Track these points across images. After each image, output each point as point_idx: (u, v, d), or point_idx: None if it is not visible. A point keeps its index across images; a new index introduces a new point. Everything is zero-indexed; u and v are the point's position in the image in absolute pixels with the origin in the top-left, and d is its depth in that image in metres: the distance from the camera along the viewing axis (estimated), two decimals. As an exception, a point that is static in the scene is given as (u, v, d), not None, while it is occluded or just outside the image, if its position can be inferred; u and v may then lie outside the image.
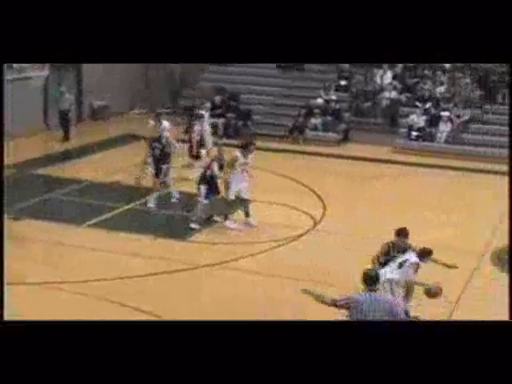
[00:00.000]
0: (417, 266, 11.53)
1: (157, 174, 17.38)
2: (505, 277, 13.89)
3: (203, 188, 16.22)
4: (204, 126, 21.11)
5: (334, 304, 8.92)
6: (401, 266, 11.56)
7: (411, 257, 11.56)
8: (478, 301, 12.42)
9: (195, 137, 20.49)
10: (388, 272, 11.47)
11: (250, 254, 14.68)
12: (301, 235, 15.93)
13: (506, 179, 21.39)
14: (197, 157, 20.31)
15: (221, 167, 16.52)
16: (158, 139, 17.43)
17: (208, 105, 23.60)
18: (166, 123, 18.53)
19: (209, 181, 16.28)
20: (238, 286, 13.26)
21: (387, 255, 12.08)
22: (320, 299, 9.17)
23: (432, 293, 11.04)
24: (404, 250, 11.93)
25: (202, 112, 21.77)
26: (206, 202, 16.20)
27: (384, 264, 11.87)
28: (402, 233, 12.32)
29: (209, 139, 21.36)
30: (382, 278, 11.27)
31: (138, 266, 13.81)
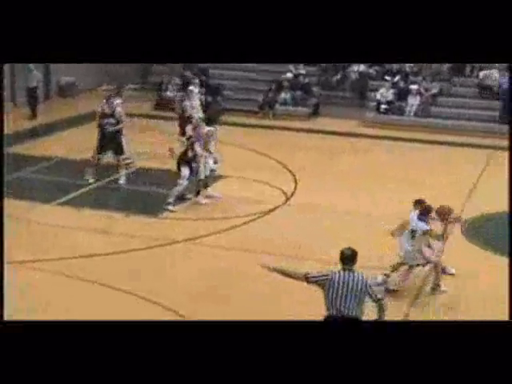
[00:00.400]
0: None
1: (116, 151, 17.45)
2: (473, 247, 14.11)
3: (185, 170, 15.95)
4: (193, 102, 21.01)
5: (306, 279, 8.93)
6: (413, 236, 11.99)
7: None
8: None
9: (184, 113, 20.34)
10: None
11: (222, 229, 14.70)
12: (272, 210, 15.99)
13: (475, 151, 21.70)
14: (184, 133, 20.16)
15: (204, 146, 16.49)
16: (112, 115, 17.44)
17: (197, 81, 23.38)
18: (118, 100, 18.45)
19: (190, 162, 16.10)
20: (211, 261, 13.29)
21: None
22: (290, 275, 9.18)
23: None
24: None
25: (192, 88, 21.69)
26: (186, 183, 16.11)
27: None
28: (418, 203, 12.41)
29: (197, 116, 21.29)
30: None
31: (110, 244, 13.78)
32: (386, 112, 25.11)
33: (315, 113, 26.12)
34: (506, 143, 22.18)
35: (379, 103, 25.20)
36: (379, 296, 8.95)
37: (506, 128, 23.47)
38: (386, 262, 12.54)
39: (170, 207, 15.82)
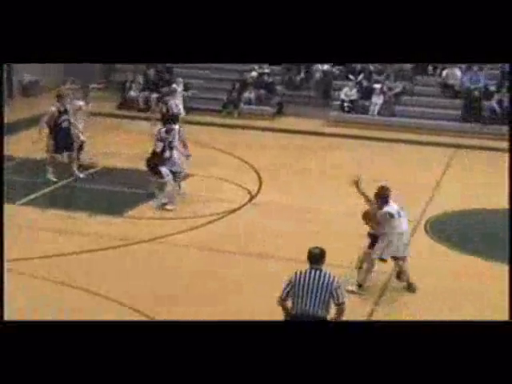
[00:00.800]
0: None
1: (70, 148, 17.49)
2: (436, 246, 14.24)
3: (165, 170, 15.78)
4: (177, 101, 20.98)
5: (282, 300, 8.75)
6: None
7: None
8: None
9: (169, 111, 20.18)
10: None
11: (187, 228, 14.68)
12: (237, 209, 16.00)
13: (438, 150, 21.89)
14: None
15: (184, 145, 16.60)
16: (66, 112, 17.48)
17: (181, 79, 23.28)
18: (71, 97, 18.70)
19: (167, 161, 15.95)
20: (177, 260, 13.27)
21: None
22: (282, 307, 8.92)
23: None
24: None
25: (175, 86, 21.65)
26: (173, 182, 15.92)
27: None
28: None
29: (181, 113, 21.39)
30: None
31: (75, 244, 13.69)
32: (350, 111, 25.23)
33: (279, 112, 26.16)
34: (468, 141, 22.58)
35: (343, 102, 25.31)
36: (342, 300, 8.68)
37: (468, 126, 23.81)
38: (351, 260, 12.62)
39: (170, 206, 15.75)
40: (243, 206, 16.24)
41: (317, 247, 8.82)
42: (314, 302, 8.51)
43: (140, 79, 26.92)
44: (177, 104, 20.67)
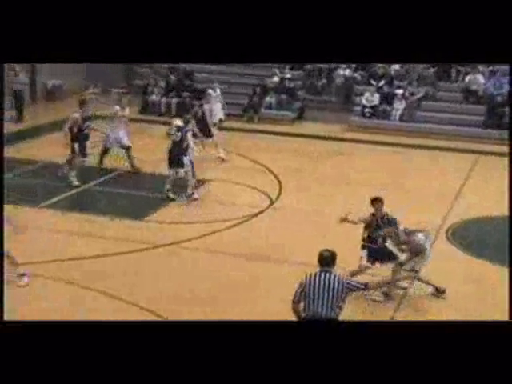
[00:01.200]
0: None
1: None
2: (459, 253, 14.18)
3: (187, 159, 16.60)
4: (212, 106, 21.22)
5: (295, 303, 8.78)
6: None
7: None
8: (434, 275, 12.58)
9: (205, 116, 20.30)
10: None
11: (207, 233, 14.69)
12: (257, 213, 16.00)
13: (460, 156, 21.79)
14: (211, 135, 20.23)
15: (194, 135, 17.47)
16: (89, 118, 17.85)
17: (216, 84, 23.39)
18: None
19: (187, 151, 16.68)
20: (196, 265, 13.29)
21: (376, 228, 12.18)
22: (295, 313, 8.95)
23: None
24: (389, 220, 12.10)
25: (210, 91, 21.81)
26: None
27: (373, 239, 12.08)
28: (376, 201, 12.36)
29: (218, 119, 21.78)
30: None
31: (95, 247, 13.75)
32: (371, 116, 25.18)
33: (300, 117, 26.19)
34: (490, 148, 22.46)
35: (364, 107, 25.27)
36: (362, 282, 8.92)
37: (490, 133, 23.68)
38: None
39: (196, 195, 16.58)
40: (263, 210, 16.24)
41: (327, 250, 8.82)
42: (325, 305, 8.52)
43: (161, 84, 27.02)
44: (212, 109, 20.88)
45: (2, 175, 8.05)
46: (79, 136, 17.41)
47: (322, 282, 8.57)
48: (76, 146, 17.37)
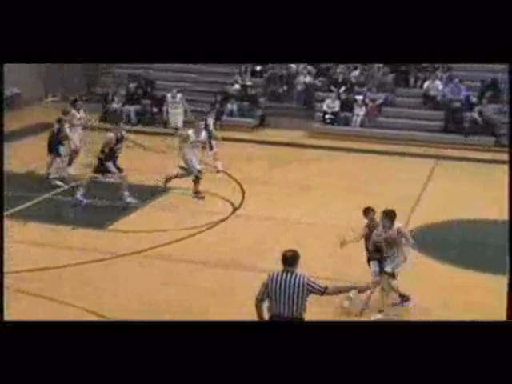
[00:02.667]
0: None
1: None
2: (420, 256, 14.28)
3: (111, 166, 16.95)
4: (169, 110, 21.31)
5: (259, 301, 8.83)
6: None
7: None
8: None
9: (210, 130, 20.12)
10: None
11: (170, 241, 14.65)
12: (221, 221, 16.00)
13: (420, 161, 21.99)
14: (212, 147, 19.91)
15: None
16: (122, 139, 17.43)
17: (175, 90, 23.31)
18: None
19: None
20: (160, 273, 13.24)
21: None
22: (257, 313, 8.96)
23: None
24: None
25: (168, 95, 22.04)
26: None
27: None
28: (368, 211, 12.30)
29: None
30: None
31: (56, 257, 13.64)
32: (332, 122, 25.33)
33: (262, 123, 26.26)
34: (450, 153, 22.71)
35: (325, 114, 25.42)
36: (322, 286, 8.79)
37: (449, 137, 23.96)
38: (335, 271, 12.66)
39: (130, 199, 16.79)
40: (226, 218, 16.24)
41: (290, 250, 8.86)
42: (288, 304, 8.57)
43: (122, 92, 26.91)
44: (169, 113, 21.10)
45: (2, 176, 7.96)
46: (110, 155, 17.00)
47: (284, 282, 8.61)
48: (110, 164, 16.94)
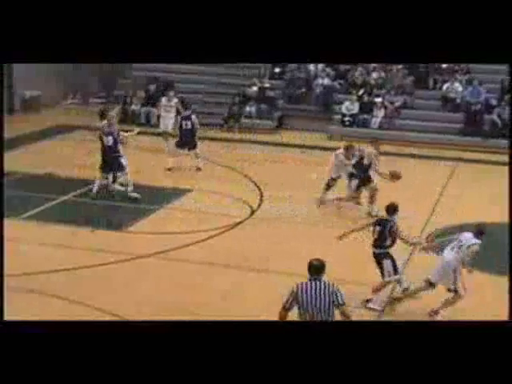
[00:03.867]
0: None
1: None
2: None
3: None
4: (161, 113, 21.92)
5: (286, 309, 8.82)
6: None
7: None
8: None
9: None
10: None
11: (189, 243, 14.64)
12: (239, 223, 15.97)
13: (439, 163, 21.88)
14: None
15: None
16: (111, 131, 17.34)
17: (172, 93, 23.44)
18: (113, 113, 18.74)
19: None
20: (179, 276, 13.24)
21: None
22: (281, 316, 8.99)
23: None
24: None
25: (163, 99, 22.24)
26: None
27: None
28: (391, 208, 12.25)
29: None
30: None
31: (76, 258, 13.67)
32: (351, 125, 25.26)
33: (280, 126, 26.22)
34: (469, 155, 22.59)
35: (344, 116, 25.36)
36: (342, 301, 8.75)
37: (468, 140, 23.84)
38: (353, 274, 12.62)
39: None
40: (244, 220, 16.22)
41: (317, 259, 8.90)
42: (320, 313, 8.61)
43: (141, 94, 26.98)
44: (161, 117, 21.27)
45: (2, 178, 7.97)
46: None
47: (314, 291, 8.66)
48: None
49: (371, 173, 16.67)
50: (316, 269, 8.81)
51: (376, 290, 12.13)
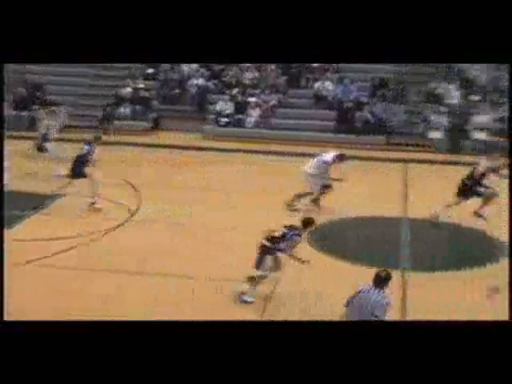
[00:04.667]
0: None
1: None
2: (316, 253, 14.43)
3: None
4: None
5: (344, 305, 9.03)
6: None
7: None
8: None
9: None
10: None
11: (64, 249, 14.34)
12: (117, 226, 15.78)
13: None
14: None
15: None
16: None
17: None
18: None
19: None
20: (57, 282, 12.95)
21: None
22: None
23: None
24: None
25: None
26: None
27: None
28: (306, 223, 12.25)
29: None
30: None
31: None
32: (226, 125, 25.39)
33: (156, 127, 26.10)
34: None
35: (218, 116, 25.47)
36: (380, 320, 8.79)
37: (341, 137, 24.36)
38: (231, 272, 12.68)
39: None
40: (123, 223, 16.03)
41: (384, 270, 9.00)
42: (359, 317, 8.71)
43: (10, 98, 26.22)
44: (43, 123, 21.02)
45: (2, 182, 7.68)
46: None
47: (361, 299, 8.79)
48: None
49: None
50: (379, 278, 8.89)
51: (251, 280, 12.04)
